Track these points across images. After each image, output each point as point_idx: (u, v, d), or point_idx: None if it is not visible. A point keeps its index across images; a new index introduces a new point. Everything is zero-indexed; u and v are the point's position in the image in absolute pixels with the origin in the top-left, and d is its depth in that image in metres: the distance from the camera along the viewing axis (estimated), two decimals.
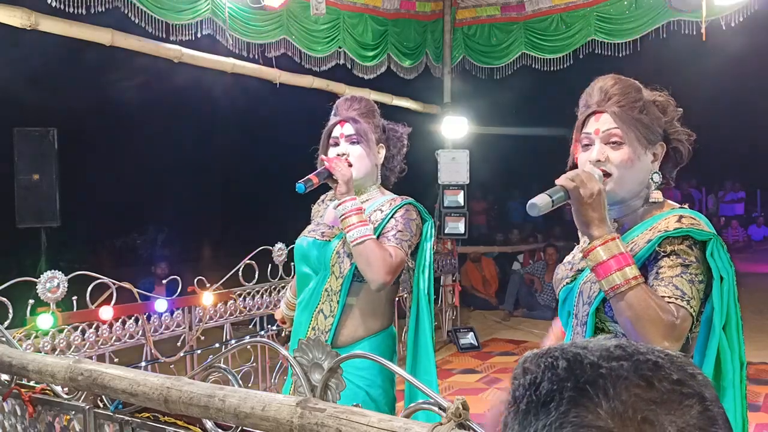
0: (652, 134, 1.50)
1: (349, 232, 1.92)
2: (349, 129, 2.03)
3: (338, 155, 2.02)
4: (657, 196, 1.54)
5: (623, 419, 0.51)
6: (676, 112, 1.57)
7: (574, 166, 1.56)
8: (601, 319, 1.49)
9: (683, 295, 1.37)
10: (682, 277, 1.39)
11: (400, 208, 2.03)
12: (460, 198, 6.53)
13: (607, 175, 1.48)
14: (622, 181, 1.48)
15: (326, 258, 2.03)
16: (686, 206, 1.54)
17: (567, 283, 1.59)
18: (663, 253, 1.41)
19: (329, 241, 2.05)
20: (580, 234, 1.54)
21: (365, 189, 2.10)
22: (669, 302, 1.36)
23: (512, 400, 0.59)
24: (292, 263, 2.39)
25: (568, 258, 1.66)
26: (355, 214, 1.92)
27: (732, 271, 1.42)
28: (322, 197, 2.30)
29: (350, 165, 2.01)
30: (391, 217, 2.01)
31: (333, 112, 2.13)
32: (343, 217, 1.93)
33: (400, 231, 1.98)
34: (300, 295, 2.14)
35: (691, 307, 1.37)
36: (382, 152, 2.12)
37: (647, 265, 1.44)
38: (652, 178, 1.52)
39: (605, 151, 1.48)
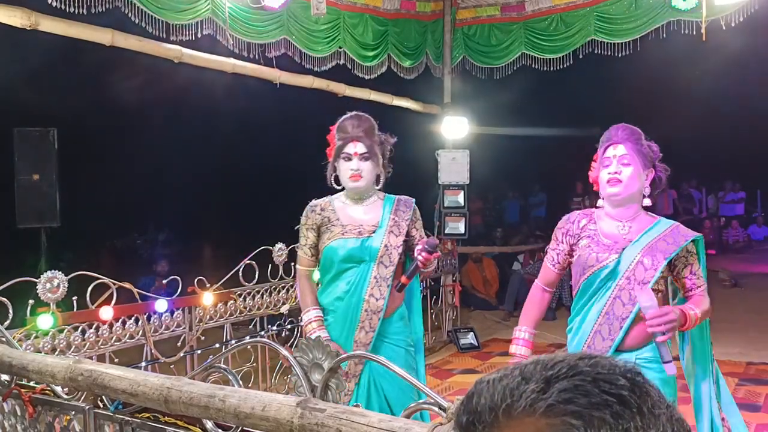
0: (647, 161, 2.24)
1: (427, 270, 2.52)
2: (361, 147, 2.48)
3: (352, 171, 2.49)
4: (647, 202, 2.30)
5: None
6: (659, 154, 2.30)
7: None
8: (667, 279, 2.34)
9: (704, 279, 2.29)
10: (700, 268, 2.29)
11: (415, 208, 2.65)
12: (460, 198, 6.53)
13: (619, 181, 2.22)
14: (628, 187, 2.22)
15: (372, 251, 2.52)
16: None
17: (616, 258, 2.21)
18: (688, 252, 2.27)
19: (370, 236, 2.53)
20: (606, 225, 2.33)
21: (368, 194, 2.60)
22: (701, 289, 2.26)
23: None
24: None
25: (595, 246, 2.27)
26: (425, 267, 2.44)
27: (704, 252, 2.32)
28: (315, 207, 2.61)
29: (362, 178, 2.50)
30: (412, 216, 2.63)
31: (338, 129, 2.53)
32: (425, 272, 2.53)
33: (422, 230, 2.67)
34: (334, 283, 2.57)
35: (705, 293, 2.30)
36: (381, 162, 2.57)
37: (676, 258, 2.26)
38: (644, 192, 2.27)
39: (621, 169, 2.21)
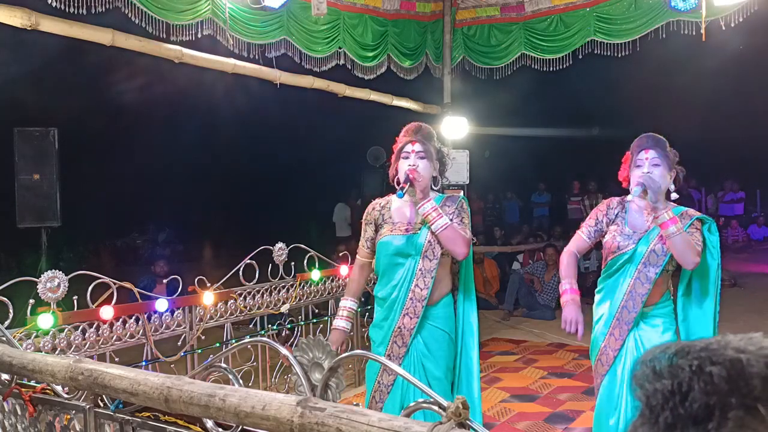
0: (671, 164, 2.69)
1: (433, 224, 2.71)
2: (419, 147, 2.77)
3: (410, 166, 2.73)
4: (674, 196, 2.72)
5: None
6: (677, 156, 2.74)
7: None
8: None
9: (700, 240, 2.65)
10: (700, 238, 2.64)
11: (461, 201, 2.86)
12: None
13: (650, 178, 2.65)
14: (660, 187, 2.65)
15: (418, 246, 2.77)
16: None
17: (633, 248, 2.69)
18: (693, 228, 2.65)
19: (416, 233, 2.78)
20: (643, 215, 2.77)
21: (427, 193, 2.80)
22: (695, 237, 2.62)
23: (647, 409, 0.50)
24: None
25: (618, 236, 2.75)
26: (434, 211, 2.71)
27: (716, 238, 2.70)
28: (375, 205, 2.93)
29: (418, 172, 2.71)
30: (456, 208, 2.82)
31: (402, 134, 2.84)
32: (425, 214, 2.73)
33: (464, 219, 2.81)
34: (387, 275, 2.83)
35: (699, 246, 2.64)
36: (437, 167, 2.84)
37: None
38: (669, 189, 2.70)
39: (652, 169, 2.66)
